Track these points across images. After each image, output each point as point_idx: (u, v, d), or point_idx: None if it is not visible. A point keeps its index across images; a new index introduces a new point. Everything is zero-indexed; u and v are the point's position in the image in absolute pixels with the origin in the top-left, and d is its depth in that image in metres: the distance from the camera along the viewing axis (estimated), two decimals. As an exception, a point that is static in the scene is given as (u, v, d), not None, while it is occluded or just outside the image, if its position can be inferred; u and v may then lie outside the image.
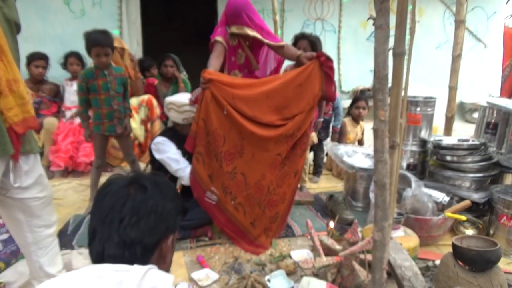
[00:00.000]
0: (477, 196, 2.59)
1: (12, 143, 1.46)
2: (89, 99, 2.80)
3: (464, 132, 4.73)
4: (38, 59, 3.75)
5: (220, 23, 2.57)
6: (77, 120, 3.71)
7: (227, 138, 2.29)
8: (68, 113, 3.89)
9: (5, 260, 2.09)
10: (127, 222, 0.89)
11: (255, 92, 2.32)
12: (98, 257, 0.89)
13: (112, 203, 0.91)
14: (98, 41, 2.66)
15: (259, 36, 2.48)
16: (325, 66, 2.37)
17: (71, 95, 3.85)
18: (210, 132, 2.27)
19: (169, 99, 2.52)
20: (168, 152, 2.46)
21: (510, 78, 6.66)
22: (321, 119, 3.18)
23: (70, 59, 3.90)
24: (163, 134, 2.61)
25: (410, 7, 1.66)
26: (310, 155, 3.72)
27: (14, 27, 1.53)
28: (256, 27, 2.47)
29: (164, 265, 0.95)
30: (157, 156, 2.48)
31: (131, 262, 0.85)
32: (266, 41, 2.51)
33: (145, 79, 4.19)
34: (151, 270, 0.83)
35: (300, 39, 3.04)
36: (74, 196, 3.27)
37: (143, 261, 0.88)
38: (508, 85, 6.67)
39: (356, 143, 3.98)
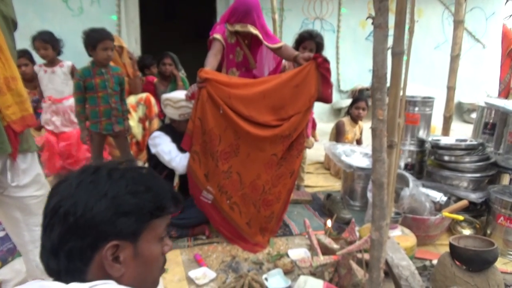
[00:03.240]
0: (474, 196, 2.60)
1: (10, 141, 1.45)
2: (86, 98, 2.80)
3: (462, 132, 4.74)
4: (17, 57, 3.55)
5: (221, 20, 2.56)
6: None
7: (222, 137, 2.29)
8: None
9: (1, 258, 2.09)
10: (46, 223, 0.74)
11: (251, 91, 2.32)
12: (47, 272, 0.76)
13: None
14: (106, 34, 2.72)
15: (260, 35, 2.48)
16: (322, 67, 2.37)
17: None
18: (206, 131, 2.26)
19: (166, 95, 2.53)
20: (161, 145, 2.46)
21: (508, 85, 6.71)
22: None
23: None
24: (159, 129, 2.62)
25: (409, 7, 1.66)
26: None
27: (11, 25, 1.52)
28: (258, 27, 2.47)
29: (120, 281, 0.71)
30: (153, 150, 2.48)
31: (71, 275, 0.71)
32: (265, 42, 2.52)
33: (145, 76, 4.18)
34: None
35: (308, 39, 2.88)
36: (72, 194, 3.25)
37: (83, 275, 0.72)
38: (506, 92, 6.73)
39: (355, 142, 3.98)
